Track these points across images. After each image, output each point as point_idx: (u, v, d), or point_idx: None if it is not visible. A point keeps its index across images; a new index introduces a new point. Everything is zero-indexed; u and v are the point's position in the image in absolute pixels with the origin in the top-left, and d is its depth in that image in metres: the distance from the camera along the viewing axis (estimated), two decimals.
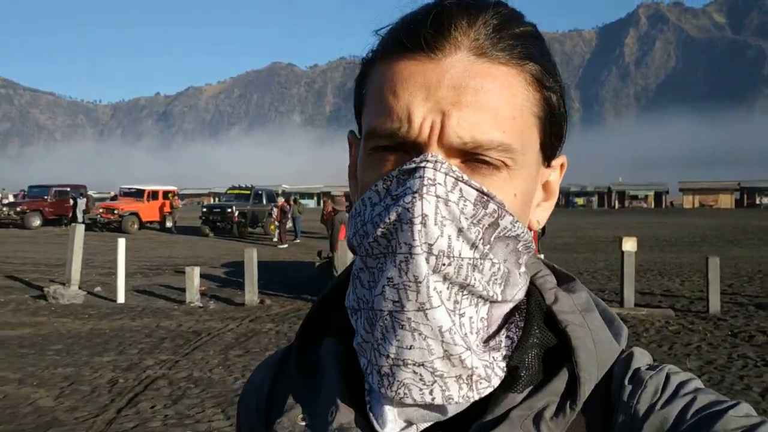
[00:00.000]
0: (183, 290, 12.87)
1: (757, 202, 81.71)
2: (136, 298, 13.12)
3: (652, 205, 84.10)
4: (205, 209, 31.92)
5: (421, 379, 0.62)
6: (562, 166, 0.76)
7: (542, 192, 0.75)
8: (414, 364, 0.62)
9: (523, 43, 0.66)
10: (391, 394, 0.64)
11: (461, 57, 0.64)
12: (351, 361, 0.71)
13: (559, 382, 0.66)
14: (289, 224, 28.08)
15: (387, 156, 0.66)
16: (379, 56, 0.69)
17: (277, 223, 28.11)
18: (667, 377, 0.66)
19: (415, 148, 0.64)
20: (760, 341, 8.80)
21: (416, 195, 0.60)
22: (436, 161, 0.62)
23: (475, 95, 0.63)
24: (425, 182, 0.60)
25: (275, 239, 27.71)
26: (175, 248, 24.80)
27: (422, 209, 0.59)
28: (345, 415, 0.68)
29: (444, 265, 0.60)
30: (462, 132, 0.62)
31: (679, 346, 8.54)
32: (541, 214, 0.75)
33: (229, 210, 30.14)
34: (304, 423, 0.72)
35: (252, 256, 12.35)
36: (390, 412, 0.66)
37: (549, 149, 0.71)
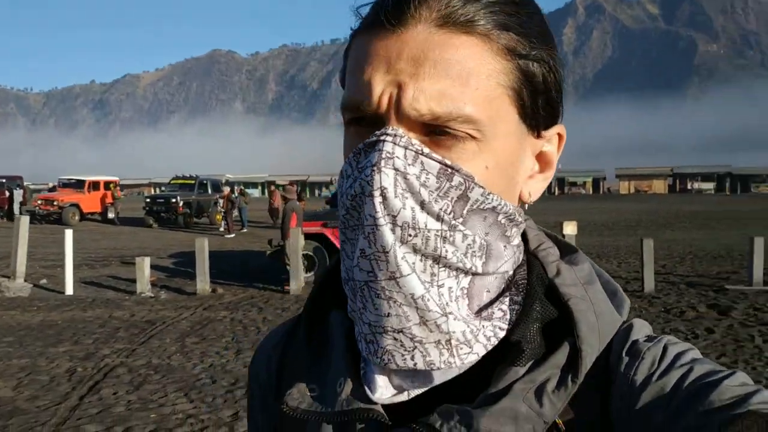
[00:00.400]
0: (132, 281, 12.86)
1: (689, 187, 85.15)
2: (85, 289, 13.01)
3: (591, 192, 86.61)
4: (148, 200, 31.36)
5: (401, 345, 0.64)
6: (559, 136, 0.74)
7: (536, 163, 0.73)
8: (393, 331, 0.64)
9: (492, 11, 0.64)
10: (376, 360, 0.66)
11: (422, 29, 0.63)
12: (351, 329, 0.73)
13: (561, 355, 0.66)
14: (235, 213, 27.93)
15: (358, 129, 0.67)
16: (356, 31, 0.70)
17: (223, 212, 27.94)
18: (665, 348, 0.66)
19: (378, 122, 0.65)
20: (690, 316, 9.43)
21: (374, 168, 0.61)
22: (395, 135, 0.62)
23: (434, 66, 0.62)
24: (383, 155, 0.61)
25: (221, 229, 27.53)
26: (119, 240, 24.41)
27: (380, 182, 0.60)
28: (350, 384, 0.70)
29: (410, 236, 0.61)
30: (418, 105, 0.62)
31: None
32: (534, 186, 0.74)
33: (174, 200, 29.73)
34: (313, 394, 0.73)
35: (203, 246, 12.40)
36: (380, 378, 0.68)
37: (533, 119, 0.69)
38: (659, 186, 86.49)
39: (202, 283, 12.37)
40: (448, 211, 0.63)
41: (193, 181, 31.32)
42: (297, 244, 12.28)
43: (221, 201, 28.53)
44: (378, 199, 0.60)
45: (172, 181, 32.63)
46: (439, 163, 0.62)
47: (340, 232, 0.68)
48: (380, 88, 0.64)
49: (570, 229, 11.69)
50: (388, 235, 0.60)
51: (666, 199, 61.28)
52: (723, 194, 78.78)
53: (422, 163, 0.62)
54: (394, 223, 0.61)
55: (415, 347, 0.64)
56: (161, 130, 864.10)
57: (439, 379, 0.68)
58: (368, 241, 0.61)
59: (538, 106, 0.69)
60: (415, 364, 0.65)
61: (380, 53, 0.64)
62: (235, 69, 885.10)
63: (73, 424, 5.51)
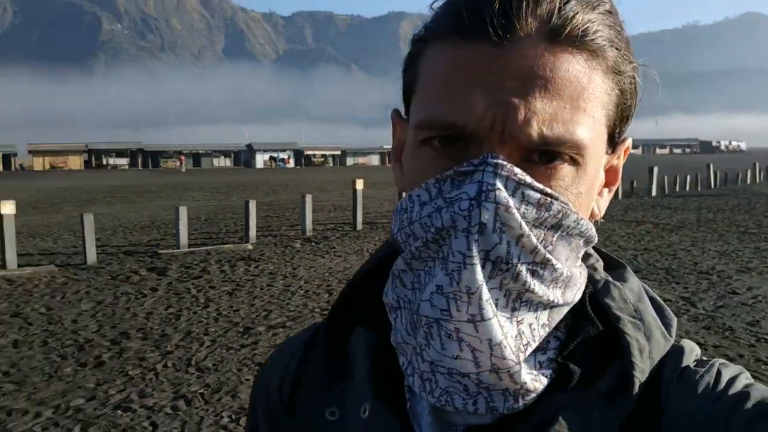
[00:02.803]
0: None
1: (105, 163, 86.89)
2: None
3: (1, 168, 79.93)
4: None
5: (465, 389, 0.59)
6: (626, 150, 0.70)
7: (604, 177, 0.69)
8: (459, 375, 0.58)
9: (599, 26, 0.59)
10: (432, 399, 0.61)
11: (530, 43, 0.57)
12: (384, 354, 0.68)
13: (610, 381, 0.63)
14: None
15: (440, 150, 0.60)
16: (434, 36, 0.62)
17: None
18: (718, 373, 0.63)
19: (473, 144, 0.58)
20: (136, 280, 10.57)
21: (474, 202, 0.55)
22: (496, 164, 0.56)
23: (545, 86, 0.57)
24: (484, 188, 0.55)
25: None
26: None
27: (480, 217, 0.54)
28: (379, 411, 0.66)
29: (501, 271, 0.56)
30: (529, 129, 0.56)
31: (71, 294, 9.53)
32: (602, 202, 0.70)
33: None
34: (333, 418, 0.70)
35: None
36: (430, 414, 0.64)
37: (617, 137, 0.66)
38: (75, 162, 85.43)
39: None
40: (542, 241, 0.58)
41: None
42: None
43: None
44: (475, 236, 0.55)
45: None
46: (540, 192, 0.57)
47: (401, 260, 0.62)
48: (482, 108, 0.57)
49: (8, 209, 11.41)
50: (478, 275, 0.55)
51: (84, 175, 61.47)
52: (137, 169, 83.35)
53: (523, 194, 0.57)
54: (486, 258, 0.56)
55: (480, 393, 0.60)
56: None
57: (494, 417, 0.63)
58: (450, 279, 0.56)
59: (622, 123, 0.65)
60: (476, 410, 0.60)
61: (482, 68, 0.58)
62: None
63: None
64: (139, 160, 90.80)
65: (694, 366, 0.65)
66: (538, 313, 0.60)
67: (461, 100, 0.58)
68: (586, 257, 0.71)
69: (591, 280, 0.69)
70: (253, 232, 14.89)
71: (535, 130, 0.57)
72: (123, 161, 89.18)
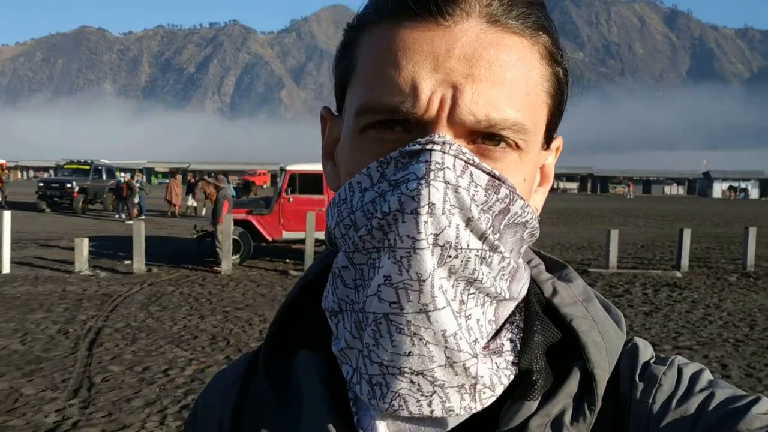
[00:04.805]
0: (59, 261, 13.83)
1: (555, 186, 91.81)
2: (19, 268, 13.68)
3: None
4: (41, 184, 31.04)
5: (419, 389, 0.56)
6: (557, 149, 0.70)
7: (538, 175, 0.68)
8: (411, 373, 0.55)
9: (535, 12, 0.60)
10: (383, 405, 0.57)
11: (473, 24, 0.57)
12: (332, 372, 0.65)
13: (573, 383, 0.61)
14: (137, 200, 28.35)
15: (384, 134, 0.58)
16: (372, 20, 0.61)
17: (117, 199, 28.30)
18: (680, 371, 0.62)
19: (419, 126, 0.57)
20: None
21: (422, 181, 0.53)
22: (444, 142, 0.55)
23: (489, 67, 0.56)
24: (432, 166, 0.53)
25: (119, 215, 27.82)
26: (20, 224, 24.28)
27: (429, 197, 0.52)
28: None
29: (450, 257, 0.54)
30: (476, 109, 0.55)
31: None
32: (538, 199, 0.68)
33: (69, 185, 29.70)
34: None
35: (140, 230, 13.50)
36: (381, 425, 0.59)
37: (552, 130, 0.65)
38: None
39: (139, 263, 13.46)
40: (490, 226, 0.56)
41: (88, 167, 31.35)
42: (229, 229, 13.64)
43: (119, 187, 28.80)
44: (424, 218, 0.52)
45: (66, 166, 32.35)
46: (488, 174, 0.56)
47: (342, 256, 0.59)
48: (429, 89, 0.56)
49: None
50: (428, 261, 0.52)
51: None
52: (585, 194, 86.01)
53: (471, 174, 0.55)
54: (435, 243, 0.53)
55: (435, 392, 0.56)
56: (22, 109, 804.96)
57: (452, 423, 0.59)
58: (399, 267, 0.53)
59: (557, 117, 0.65)
60: (432, 411, 0.57)
61: (424, 48, 0.56)
62: (105, 48, 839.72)
63: (96, 368, 6.83)
64: (588, 184, 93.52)
65: (655, 363, 0.64)
66: (485, 308, 0.58)
67: (405, 82, 0.56)
68: (527, 259, 0.69)
69: (537, 281, 0.67)
70: (685, 261, 14.78)
71: (481, 111, 0.55)
72: (572, 185, 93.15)
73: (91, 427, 5.23)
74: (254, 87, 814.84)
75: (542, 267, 0.70)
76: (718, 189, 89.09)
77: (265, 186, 71.53)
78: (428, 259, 0.52)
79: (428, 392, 0.56)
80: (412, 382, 0.56)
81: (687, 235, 14.90)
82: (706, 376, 0.62)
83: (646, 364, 0.64)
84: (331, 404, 0.63)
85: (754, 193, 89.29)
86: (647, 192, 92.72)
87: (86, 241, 13.69)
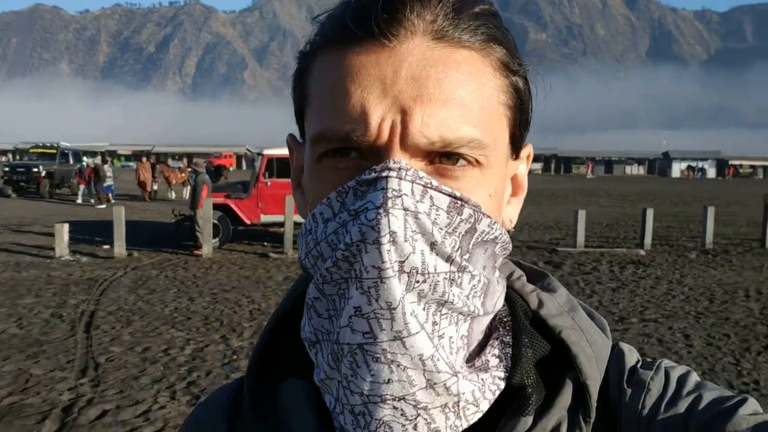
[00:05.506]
0: (37, 246, 14.09)
1: None
2: None
3: None
4: (7, 168, 30.64)
5: (402, 414, 0.55)
6: (528, 156, 0.70)
7: (510, 186, 0.68)
8: (393, 399, 0.54)
9: (485, 23, 0.59)
10: None
11: (419, 42, 0.56)
12: (320, 401, 0.63)
13: (567, 395, 0.61)
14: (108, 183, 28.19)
15: (339, 162, 0.58)
16: (321, 47, 0.60)
17: (80, 184, 28.01)
18: (667, 374, 0.63)
19: (374, 152, 0.56)
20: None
21: (380, 210, 0.52)
22: (399, 168, 0.54)
23: (439, 86, 0.56)
24: (389, 194, 0.52)
25: (91, 200, 27.63)
26: None
27: (389, 225, 0.52)
28: None
29: (418, 282, 0.53)
30: (428, 131, 0.55)
31: None
32: (512, 210, 0.68)
33: (35, 170, 29.39)
34: None
35: (120, 214, 13.66)
36: None
37: (518, 141, 0.65)
38: None
39: (120, 247, 13.62)
40: (457, 249, 0.56)
41: (54, 151, 30.98)
42: (208, 213, 13.88)
43: (85, 172, 28.52)
44: (386, 247, 0.51)
45: (31, 150, 31.97)
46: (449, 195, 0.56)
47: (313, 288, 0.58)
48: (378, 115, 0.55)
49: None
50: (396, 289, 0.52)
51: None
52: (549, 174, 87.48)
53: (431, 198, 0.55)
54: (401, 270, 0.52)
55: (419, 415, 0.55)
56: None
57: None
58: (368, 297, 0.52)
59: (522, 127, 0.65)
60: None
61: (371, 72, 0.56)
62: (61, 26, 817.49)
63: (98, 350, 7.12)
64: (552, 165, 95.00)
65: (642, 368, 0.64)
66: (459, 325, 0.57)
67: (355, 109, 0.55)
68: (508, 272, 0.70)
69: (522, 294, 0.67)
70: (648, 239, 15.49)
71: (434, 132, 0.55)
72: (537, 166, 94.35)
73: (106, 403, 5.55)
74: (216, 67, 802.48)
75: (524, 279, 0.70)
76: (677, 169, 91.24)
77: (231, 168, 71.09)
78: (396, 287, 0.52)
79: (412, 416, 0.55)
80: (394, 408, 0.55)
81: (650, 214, 15.60)
82: (693, 378, 0.64)
83: (633, 368, 0.65)
84: None
85: (711, 173, 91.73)
86: (609, 172, 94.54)
87: (66, 226, 13.78)
